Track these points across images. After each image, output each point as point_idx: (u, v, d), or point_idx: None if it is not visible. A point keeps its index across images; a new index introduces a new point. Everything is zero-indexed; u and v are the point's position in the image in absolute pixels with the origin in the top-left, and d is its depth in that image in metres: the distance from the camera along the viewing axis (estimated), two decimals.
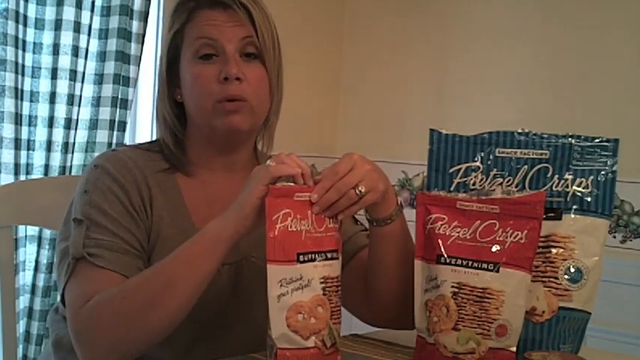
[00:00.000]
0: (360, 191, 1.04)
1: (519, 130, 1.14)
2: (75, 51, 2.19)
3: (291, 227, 0.99)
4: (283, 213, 0.99)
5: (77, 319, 1.09)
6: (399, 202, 1.15)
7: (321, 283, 1.00)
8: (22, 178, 2.12)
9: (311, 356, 0.98)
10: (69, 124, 2.21)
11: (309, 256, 0.99)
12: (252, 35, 1.21)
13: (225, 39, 1.19)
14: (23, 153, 2.13)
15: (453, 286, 1.04)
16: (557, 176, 1.13)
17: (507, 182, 1.13)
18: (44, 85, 2.16)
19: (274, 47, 1.24)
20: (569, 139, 1.14)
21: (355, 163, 1.06)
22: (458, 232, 1.07)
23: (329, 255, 1.02)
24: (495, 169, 1.14)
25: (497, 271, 1.04)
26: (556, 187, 1.13)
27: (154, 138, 1.33)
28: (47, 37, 2.15)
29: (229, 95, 1.18)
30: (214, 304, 1.20)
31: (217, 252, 1.05)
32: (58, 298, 1.18)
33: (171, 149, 1.25)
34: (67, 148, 2.22)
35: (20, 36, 2.07)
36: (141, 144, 1.32)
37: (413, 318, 1.10)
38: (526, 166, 1.13)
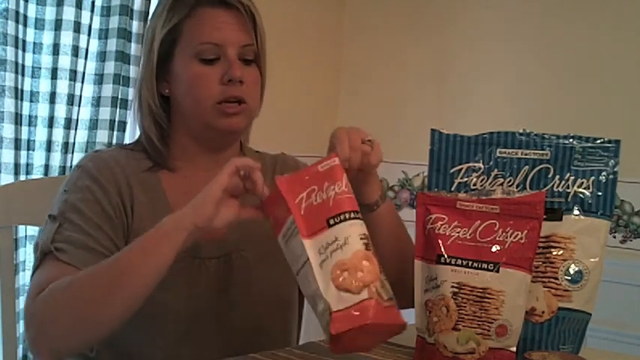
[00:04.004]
0: (369, 140, 1.11)
1: (520, 131, 1.15)
2: (75, 51, 2.19)
3: (316, 200, 0.97)
4: (307, 192, 0.97)
5: (29, 309, 1.09)
6: (383, 187, 1.18)
7: (362, 239, 0.95)
8: (22, 178, 2.12)
9: (369, 308, 0.90)
10: (69, 124, 2.21)
11: (340, 217, 0.96)
12: (253, 43, 1.22)
13: (228, 43, 1.20)
14: (23, 153, 2.13)
15: (453, 286, 1.04)
16: (558, 177, 1.13)
17: (508, 182, 1.13)
18: (44, 85, 2.16)
19: (265, 50, 1.26)
20: (571, 139, 1.14)
21: (346, 129, 1.11)
22: (458, 232, 1.07)
23: (355, 215, 0.98)
24: (496, 170, 1.14)
25: (497, 271, 1.04)
26: (557, 187, 1.13)
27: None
28: (47, 37, 2.15)
29: (231, 96, 1.19)
30: (203, 298, 1.20)
31: (171, 242, 1.02)
32: None
33: (154, 143, 1.25)
34: (67, 148, 2.21)
35: (20, 36, 2.07)
36: (125, 144, 1.33)
37: (411, 296, 1.10)
38: (527, 167, 1.13)
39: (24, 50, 2.11)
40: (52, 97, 2.17)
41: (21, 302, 2.19)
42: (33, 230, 2.19)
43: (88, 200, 1.17)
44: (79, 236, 1.14)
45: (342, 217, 0.96)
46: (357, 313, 0.90)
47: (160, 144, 1.25)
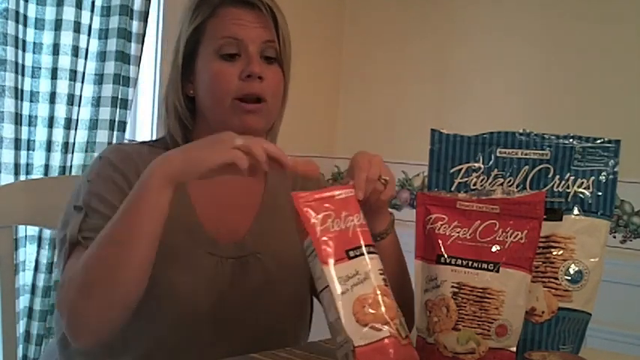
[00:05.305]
0: (385, 180, 1.09)
1: (521, 131, 1.14)
2: (75, 51, 2.19)
3: (333, 227, 0.97)
4: (323, 215, 0.96)
5: (59, 297, 1.11)
6: (392, 216, 1.19)
7: (381, 274, 0.96)
8: (22, 178, 2.12)
9: (390, 347, 0.92)
10: (69, 124, 2.21)
11: (359, 250, 0.97)
12: (274, 40, 1.23)
13: (248, 39, 1.21)
14: (23, 153, 2.13)
15: (453, 286, 1.04)
16: (558, 177, 1.13)
17: (508, 182, 1.13)
18: (44, 85, 2.16)
19: (290, 52, 1.27)
20: (571, 139, 1.14)
21: (369, 158, 1.09)
22: (458, 232, 1.07)
23: (373, 249, 0.99)
24: (496, 170, 1.14)
25: (497, 271, 1.04)
26: (557, 187, 1.13)
27: (155, 137, 1.33)
28: (47, 37, 2.15)
29: (249, 93, 1.20)
30: (213, 299, 1.20)
31: (162, 195, 1.03)
32: None
33: (178, 143, 1.25)
34: (67, 148, 2.21)
35: (20, 36, 2.07)
36: (147, 141, 1.33)
37: (411, 321, 1.10)
38: (527, 167, 1.13)
39: (24, 50, 2.11)
40: (52, 97, 2.17)
41: (21, 302, 2.19)
42: (33, 230, 2.19)
43: (111, 189, 1.18)
44: (104, 223, 1.13)
45: (361, 250, 0.97)
46: (379, 353, 0.91)
47: (184, 144, 1.25)
